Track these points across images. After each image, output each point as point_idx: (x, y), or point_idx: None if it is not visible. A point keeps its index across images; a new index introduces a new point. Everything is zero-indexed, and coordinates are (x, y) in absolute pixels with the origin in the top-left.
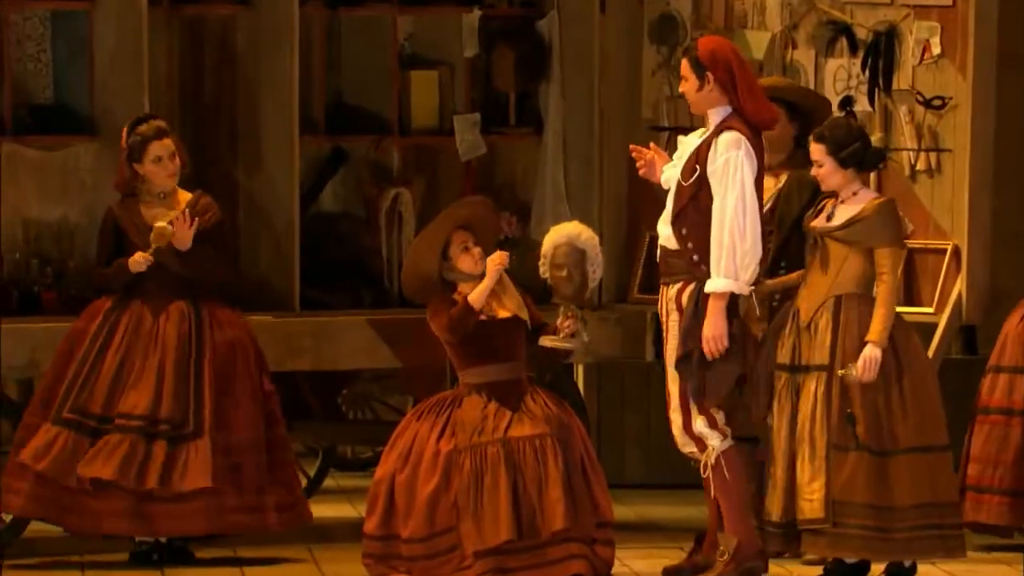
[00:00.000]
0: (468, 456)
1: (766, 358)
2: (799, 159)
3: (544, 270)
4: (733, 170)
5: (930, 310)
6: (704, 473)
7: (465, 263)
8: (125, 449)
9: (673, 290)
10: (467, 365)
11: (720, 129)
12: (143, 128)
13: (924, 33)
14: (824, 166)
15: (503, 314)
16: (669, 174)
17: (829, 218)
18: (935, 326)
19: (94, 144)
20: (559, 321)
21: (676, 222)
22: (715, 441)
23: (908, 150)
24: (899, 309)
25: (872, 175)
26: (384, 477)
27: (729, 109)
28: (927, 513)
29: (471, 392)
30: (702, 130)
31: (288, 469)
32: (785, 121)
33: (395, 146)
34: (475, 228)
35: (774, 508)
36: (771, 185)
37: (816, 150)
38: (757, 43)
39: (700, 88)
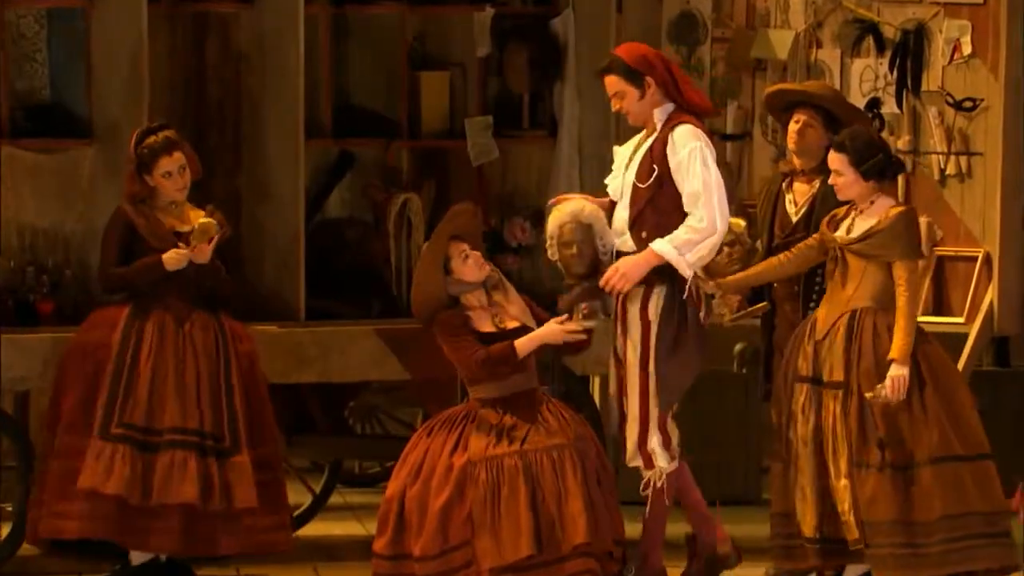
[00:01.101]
0: (484, 468)
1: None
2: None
3: (553, 251)
4: (701, 158)
5: (960, 320)
6: (644, 492)
7: (469, 272)
8: (194, 467)
9: (637, 295)
10: (479, 380)
11: (671, 126)
12: (152, 141)
13: (954, 32)
14: (844, 176)
15: (511, 324)
16: (615, 184)
17: (849, 230)
18: (966, 336)
19: (92, 147)
20: (575, 304)
21: (635, 226)
22: (663, 463)
23: (938, 154)
24: (927, 319)
25: (901, 179)
26: (394, 495)
27: (672, 106)
28: (966, 524)
29: (484, 407)
30: (636, 138)
31: (282, 489)
32: (820, 127)
33: (404, 150)
34: (466, 235)
35: (806, 523)
36: (805, 190)
37: (836, 160)
38: (780, 42)
39: (642, 96)
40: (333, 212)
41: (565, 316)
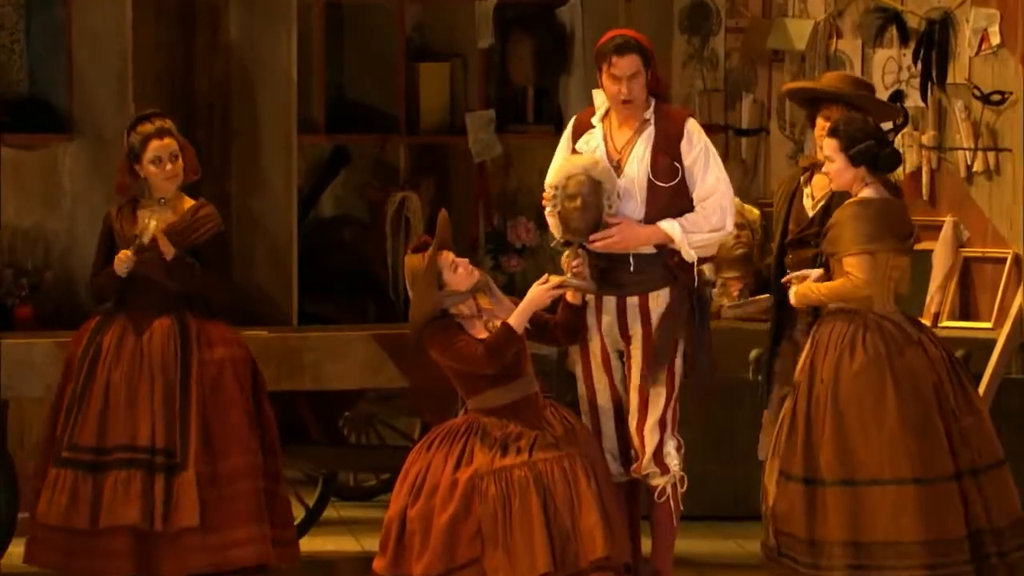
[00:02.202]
0: (492, 480)
1: None
2: None
3: (555, 203)
4: (714, 153)
5: (988, 325)
6: (660, 499)
7: (461, 281)
8: (138, 487)
9: (657, 298)
10: (478, 391)
11: (675, 117)
12: (144, 126)
13: (982, 21)
14: (835, 162)
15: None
16: (625, 183)
17: None
18: (993, 342)
19: (73, 143)
20: (565, 260)
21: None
22: (679, 467)
23: (964, 149)
24: (953, 323)
25: (925, 176)
26: (395, 515)
27: (653, 98)
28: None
29: (486, 416)
30: (603, 132)
31: (285, 504)
32: None
33: (402, 146)
34: (446, 243)
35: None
36: (824, 184)
37: (828, 145)
38: (798, 32)
39: (647, 82)
40: (327, 211)
41: (545, 276)
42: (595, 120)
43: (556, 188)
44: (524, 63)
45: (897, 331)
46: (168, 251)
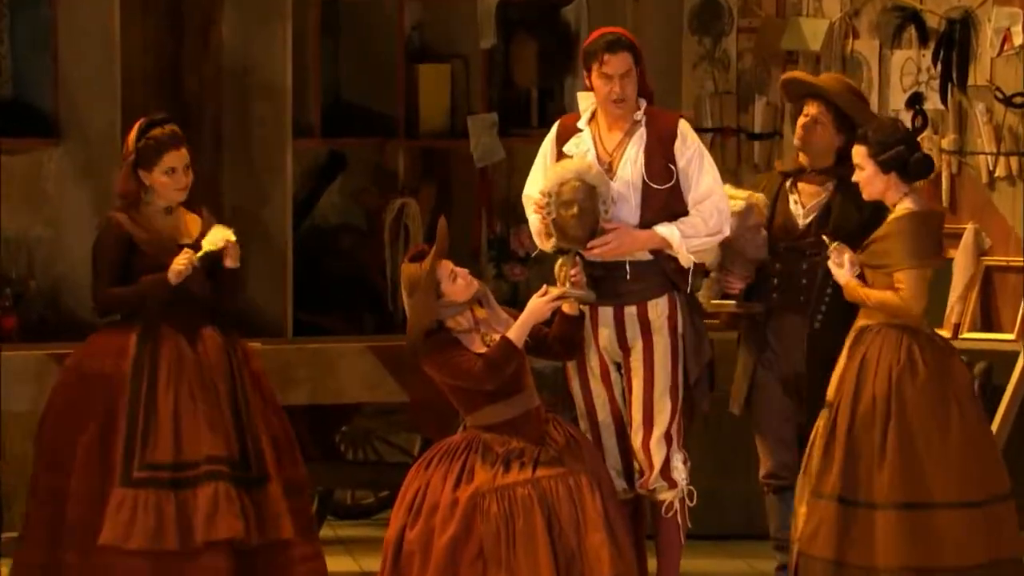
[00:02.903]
0: (494, 499)
1: None
2: (846, 170)
3: (549, 211)
4: (707, 154)
5: (1011, 336)
6: (668, 514)
7: (460, 291)
8: (234, 499)
9: (656, 307)
10: (477, 407)
11: (666, 119)
12: (158, 133)
13: (1004, 21)
14: (865, 170)
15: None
16: (619, 186)
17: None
18: (1016, 354)
19: (59, 147)
20: (561, 270)
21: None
22: (684, 481)
23: (986, 154)
24: (974, 335)
25: (945, 182)
26: (392, 537)
27: (643, 99)
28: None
29: (487, 433)
30: (592, 135)
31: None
32: (830, 126)
33: (401, 150)
34: (445, 251)
35: None
36: (813, 192)
37: (857, 152)
38: (813, 32)
39: (639, 77)
40: (323, 219)
41: (544, 288)
42: (581, 124)
43: (549, 196)
44: (528, 64)
45: (945, 345)
46: (236, 262)
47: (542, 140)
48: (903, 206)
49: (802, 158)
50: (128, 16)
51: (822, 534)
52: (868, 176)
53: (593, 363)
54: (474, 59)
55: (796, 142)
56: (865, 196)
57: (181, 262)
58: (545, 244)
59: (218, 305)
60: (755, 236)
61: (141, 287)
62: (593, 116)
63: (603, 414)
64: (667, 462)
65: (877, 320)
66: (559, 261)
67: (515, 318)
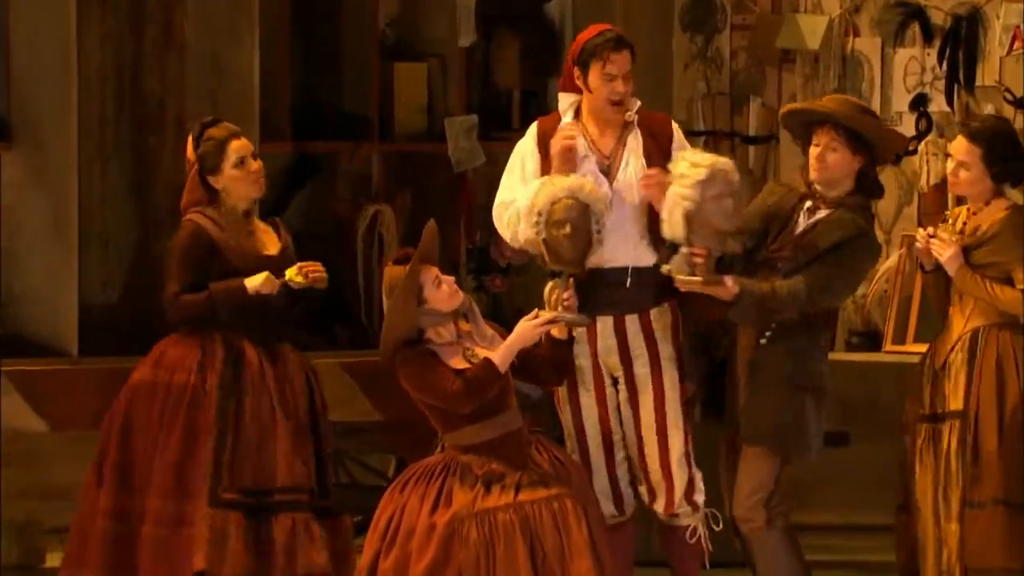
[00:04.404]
0: (474, 524)
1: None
2: (858, 200)
3: (539, 230)
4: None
5: None
6: (692, 539)
7: (443, 300)
8: (317, 531)
9: (659, 315)
10: (455, 426)
11: (660, 120)
12: (215, 131)
13: (1013, 18)
14: (971, 171)
15: (482, 355)
16: (622, 188)
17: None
18: None
19: (12, 151)
20: (551, 293)
21: (653, 232)
22: (703, 501)
23: None
24: None
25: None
26: (368, 562)
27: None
28: None
29: (465, 454)
30: (574, 125)
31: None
32: (845, 150)
33: (375, 154)
34: (431, 258)
35: None
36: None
37: (966, 150)
38: (811, 30)
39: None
40: (292, 227)
41: (535, 312)
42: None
43: (540, 214)
44: (509, 63)
45: None
46: (324, 284)
47: None
48: (1003, 203)
49: (816, 188)
50: (85, 11)
51: (995, 543)
52: (973, 178)
53: (586, 378)
54: (452, 58)
55: (812, 175)
56: (954, 191)
57: (267, 284)
58: (513, 254)
59: (295, 320)
60: (719, 205)
61: (214, 295)
62: (577, 117)
63: (593, 432)
64: (691, 484)
65: (987, 321)
66: (550, 283)
67: (501, 335)
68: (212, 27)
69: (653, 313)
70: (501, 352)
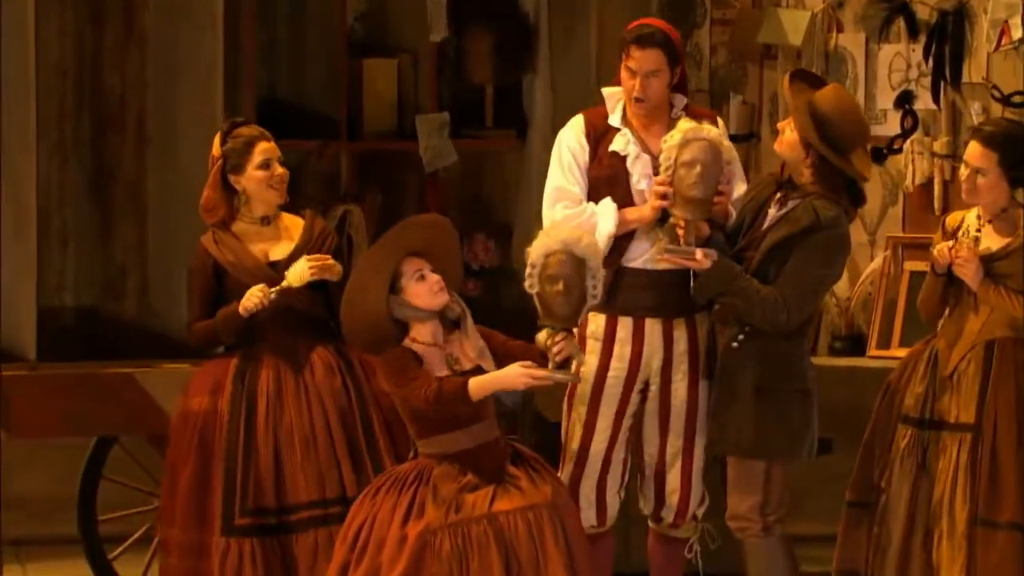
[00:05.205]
0: (447, 537)
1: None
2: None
3: (532, 283)
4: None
5: None
6: (690, 554)
7: (420, 295)
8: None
9: (703, 322)
10: (430, 433)
11: (703, 117)
12: (245, 129)
13: (1001, 12)
14: (987, 176)
15: (468, 366)
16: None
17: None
18: None
19: None
20: (546, 344)
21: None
22: (701, 515)
23: None
24: None
25: (937, 188)
26: (336, 573)
27: (683, 97)
28: None
29: (440, 463)
30: (632, 136)
31: None
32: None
33: (343, 153)
34: (432, 255)
35: None
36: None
37: (981, 155)
38: (794, 25)
39: (670, 82)
40: None
41: (529, 362)
42: (616, 122)
43: (533, 267)
44: (482, 59)
45: None
46: (336, 276)
47: (498, 142)
48: (1018, 212)
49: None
50: (44, 4)
51: (1011, 569)
52: (988, 183)
53: (612, 379)
54: (423, 53)
55: (776, 145)
56: (968, 198)
57: (254, 298)
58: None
59: (333, 317)
60: (689, 171)
61: (216, 321)
62: (624, 112)
63: (601, 438)
64: (703, 497)
65: (1003, 333)
66: (544, 332)
67: (492, 345)
68: (174, 21)
69: (698, 319)
70: (481, 383)
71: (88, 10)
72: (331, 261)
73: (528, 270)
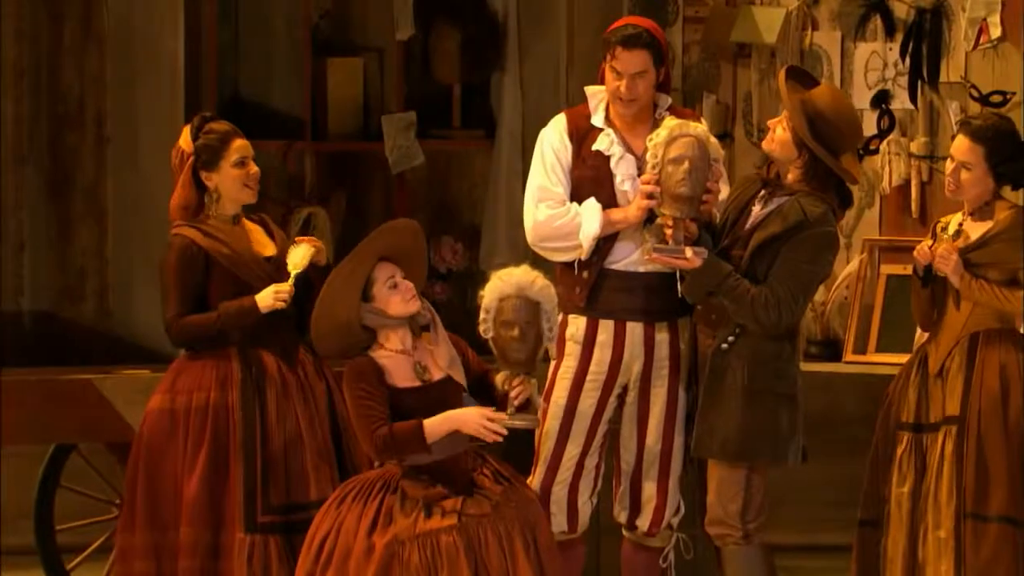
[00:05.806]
0: (415, 546)
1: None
2: (812, 187)
3: (487, 328)
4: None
5: None
6: (665, 563)
7: (394, 303)
8: None
9: (685, 328)
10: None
11: (687, 117)
12: (217, 124)
13: (980, 11)
14: (973, 171)
15: (437, 376)
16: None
17: (963, 237)
18: None
19: None
20: (503, 387)
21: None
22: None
23: None
24: None
25: (915, 189)
26: None
27: (668, 97)
28: None
29: (406, 474)
30: (615, 136)
31: None
32: (794, 144)
33: (308, 154)
34: (401, 259)
35: None
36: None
37: (968, 150)
38: (767, 23)
39: (655, 83)
40: None
41: (492, 409)
42: (599, 122)
43: (487, 312)
44: (449, 58)
45: None
46: (325, 259)
47: (466, 142)
48: (1005, 205)
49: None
50: (0, 3)
51: (1004, 563)
52: (975, 178)
53: (590, 384)
54: (389, 52)
55: (764, 143)
56: (953, 194)
57: (282, 296)
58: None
59: (298, 320)
60: (676, 168)
61: (225, 315)
62: (607, 112)
63: (577, 441)
64: (679, 506)
65: (986, 326)
66: (502, 375)
67: (461, 349)
68: (134, 20)
69: (680, 324)
70: (435, 424)
71: (46, 9)
72: (319, 244)
73: (482, 315)
